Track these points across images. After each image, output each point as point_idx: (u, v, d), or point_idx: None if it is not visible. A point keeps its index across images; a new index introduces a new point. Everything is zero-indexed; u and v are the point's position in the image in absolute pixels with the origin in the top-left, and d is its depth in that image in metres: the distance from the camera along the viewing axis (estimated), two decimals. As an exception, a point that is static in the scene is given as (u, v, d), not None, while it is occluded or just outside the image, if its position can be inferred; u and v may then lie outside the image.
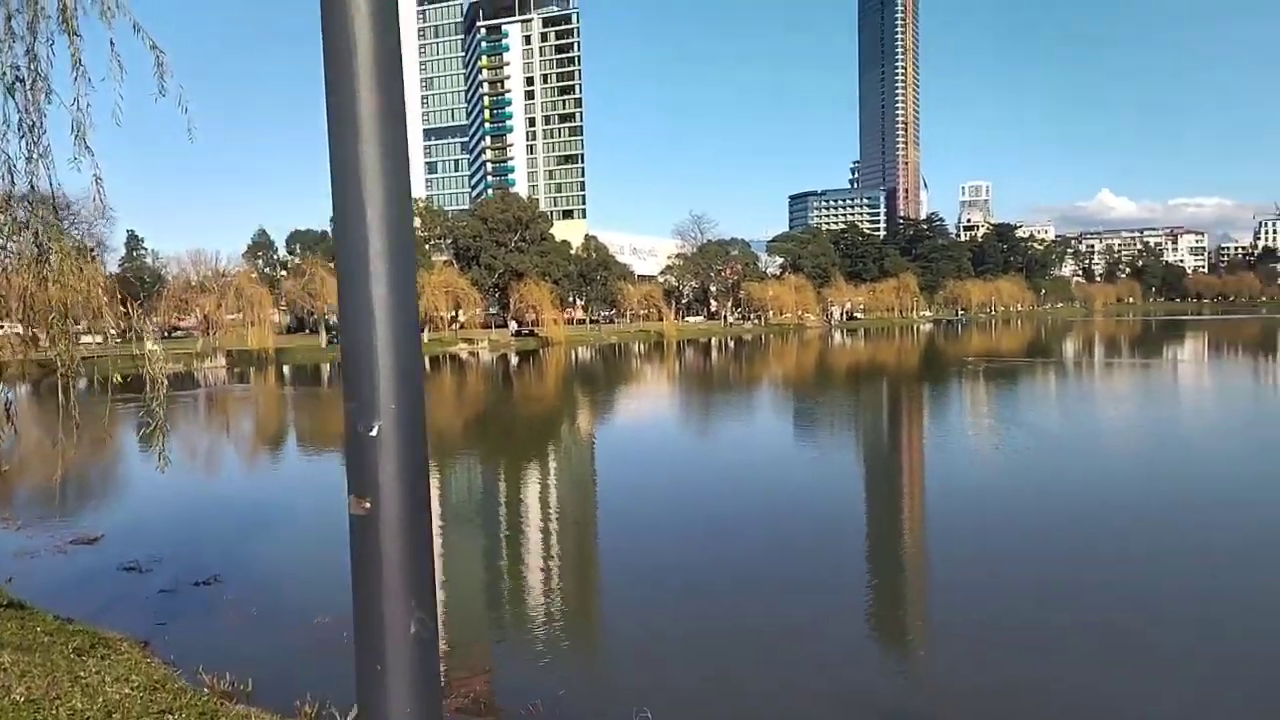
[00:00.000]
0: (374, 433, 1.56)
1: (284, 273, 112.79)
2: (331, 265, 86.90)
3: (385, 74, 1.36)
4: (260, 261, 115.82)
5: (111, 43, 7.15)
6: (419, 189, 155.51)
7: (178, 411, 41.95)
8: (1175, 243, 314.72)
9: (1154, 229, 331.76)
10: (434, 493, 24.54)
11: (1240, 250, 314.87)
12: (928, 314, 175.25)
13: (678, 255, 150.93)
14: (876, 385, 56.91)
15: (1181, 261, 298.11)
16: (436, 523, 20.79)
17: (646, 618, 13.30)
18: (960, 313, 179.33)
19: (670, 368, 75.49)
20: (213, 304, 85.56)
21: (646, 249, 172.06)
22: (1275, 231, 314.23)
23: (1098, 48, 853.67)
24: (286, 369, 77.46)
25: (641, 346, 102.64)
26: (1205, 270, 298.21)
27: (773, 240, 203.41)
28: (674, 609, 13.71)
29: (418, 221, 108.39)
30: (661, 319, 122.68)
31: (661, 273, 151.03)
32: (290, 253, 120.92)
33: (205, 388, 61.31)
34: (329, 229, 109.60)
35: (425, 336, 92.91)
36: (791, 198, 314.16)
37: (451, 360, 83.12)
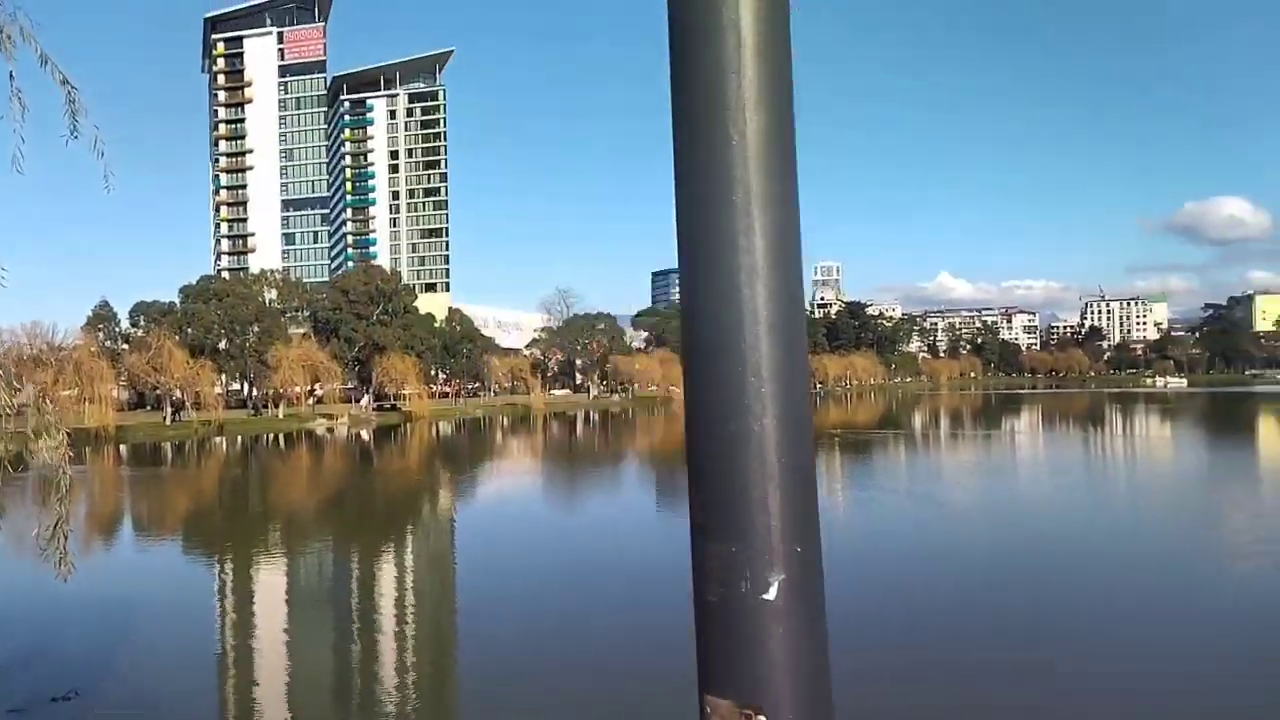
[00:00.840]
0: (771, 595, 1.01)
1: (126, 346, 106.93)
2: (178, 338, 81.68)
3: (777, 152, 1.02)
4: (101, 334, 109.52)
5: (11, 75, 6.45)
6: (274, 260, 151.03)
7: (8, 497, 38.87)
8: (1010, 321, 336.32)
9: (990, 309, 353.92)
10: (280, 582, 23.60)
11: (1068, 329, 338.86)
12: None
13: (544, 329, 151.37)
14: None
15: (1016, 339, 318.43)
16: (281, 612, 20.00)
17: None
18: (818, 386, 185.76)
19: (536, 442, 75.02)
20: (49, 378, 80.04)
21: (511, 322, 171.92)
22: (1099, 312, 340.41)
23: (928, 141, 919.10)
24: (125, 448, 72.97)
25: (507, 420, 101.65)
26: (1038, 347, 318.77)
27: (638, 315, 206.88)
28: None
29: (273, 293, 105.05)
30: (528, 392, 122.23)
31: (527, 346, 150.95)
32: (134, 325, 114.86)
33: (37, 470, 57.02)
34: (178, 300, 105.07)
35: (280, 412, 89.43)
36: (654, 274, 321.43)
37: (308, 437, 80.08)
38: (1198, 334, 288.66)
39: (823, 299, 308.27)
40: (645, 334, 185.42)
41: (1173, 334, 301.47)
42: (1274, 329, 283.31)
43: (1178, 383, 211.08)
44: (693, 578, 1.07)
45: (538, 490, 44.04)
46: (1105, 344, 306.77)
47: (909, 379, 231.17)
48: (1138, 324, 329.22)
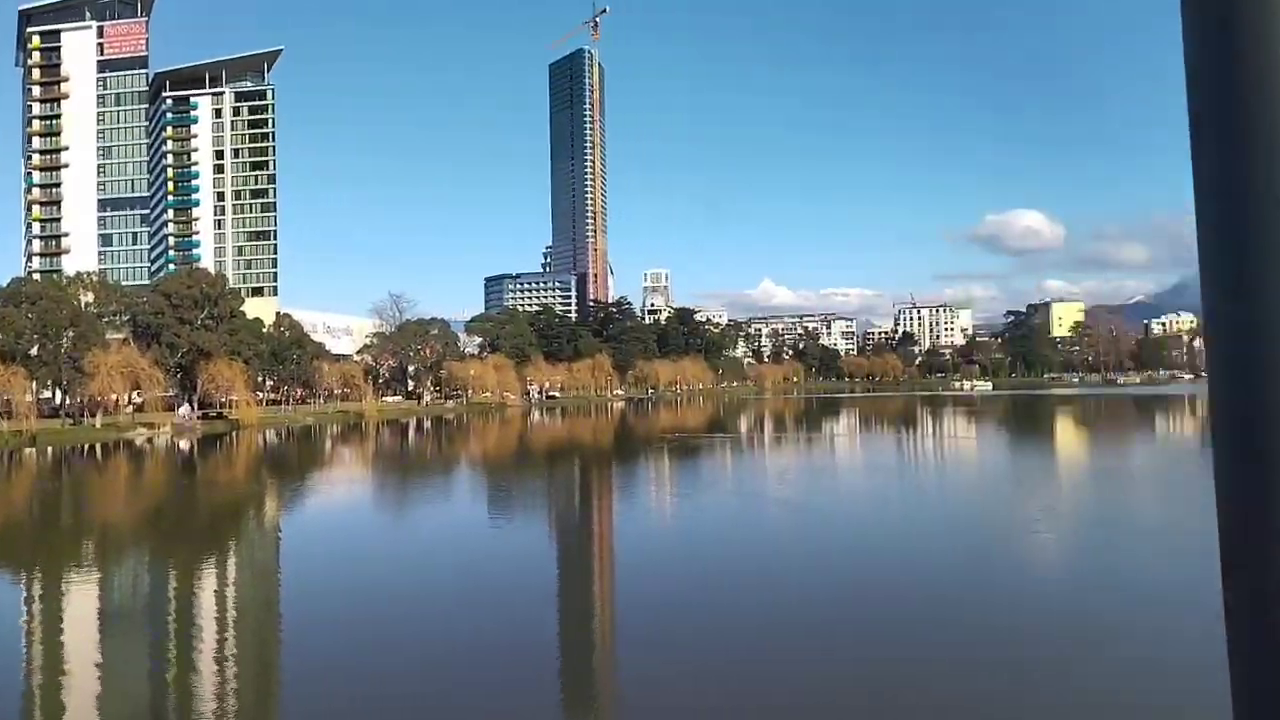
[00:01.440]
0: None
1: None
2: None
3: None
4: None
5: None
6: (90, 262, 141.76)
7: None
8: (829, 328, 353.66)
9: (811, 315, 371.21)
10: (88, 603, 22.55)
11: (883, 335, 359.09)
12: (621, 392, 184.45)
13: (376, 334, 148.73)
14: (576, 462, 60.04)
15: (835, 344, 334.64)
16: (86, 636, 19.39)
17: None
18: (650, 391, 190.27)
19: (367, 450, 74.37)
20: None
21: (342, 328, 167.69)
22: (911, 319, 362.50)
23: (749, 156, 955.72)
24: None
25: (338, 428, 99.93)
26: (855, 352, 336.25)
27: (471, 321, 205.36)
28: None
29: (90, 296, 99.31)
30: (360, 399, 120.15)
31: (359, 352, 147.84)
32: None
33: None
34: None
35: (98, 421, 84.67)
36: (487, 279, 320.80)
37: (126, 447, 76.31)
38: (1000, 339, 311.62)
39: (652, 305, 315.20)
40: (479, 340, 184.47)
41: (978, 339, 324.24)
42: (1069, 335, 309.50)
43: (984, 386, 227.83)
44: (1224, 614, 0.86)
45: (367, 500, 43.42)
46: (917, 349, 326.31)
47: (736, 383, 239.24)
48: (946, 330, 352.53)
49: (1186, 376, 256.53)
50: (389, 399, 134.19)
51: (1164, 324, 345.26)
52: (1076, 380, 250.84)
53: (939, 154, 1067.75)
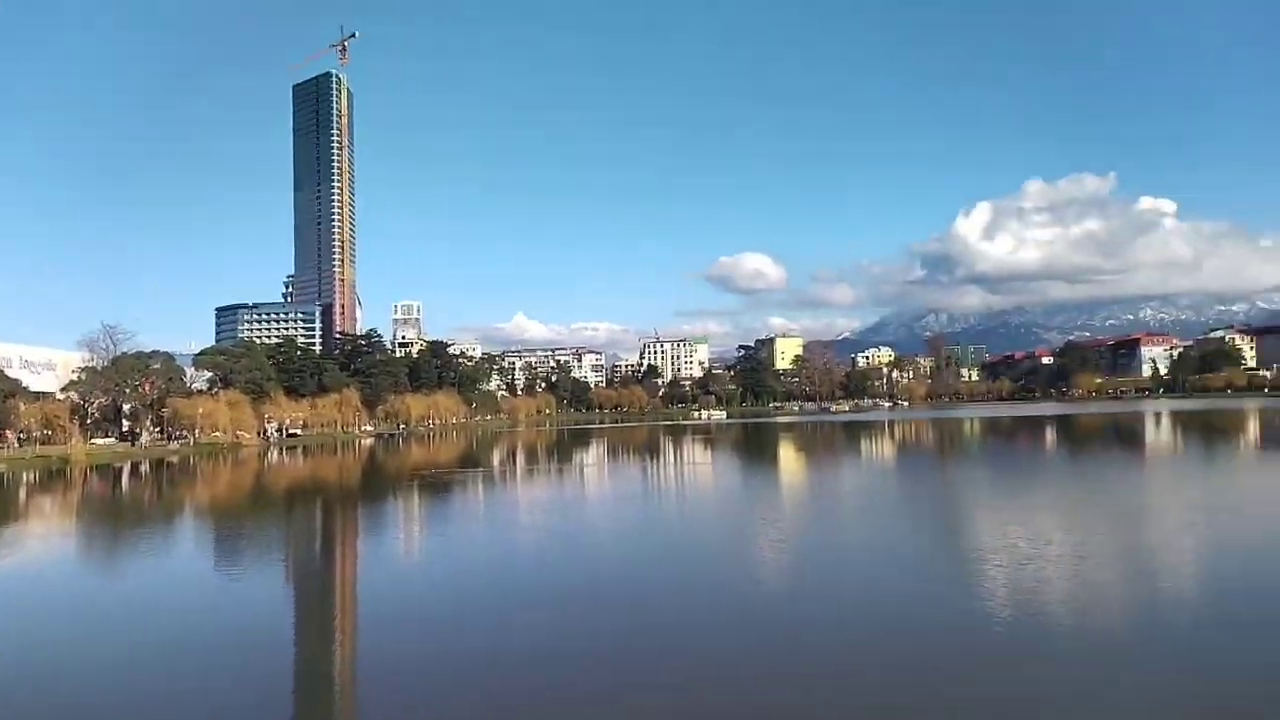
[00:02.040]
0: None
1: None
2: None
3: None
4: None
5: None
6: None
7: None
8: (580, 361, 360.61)
9: (563, 348, 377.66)
10: None
11: (629, 368, 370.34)
12: (370, 428, 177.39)
13: (84, 369, 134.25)
14: (318, 504, 57.03)
15: (586, 377, 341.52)
16: None
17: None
18: (402, 426, 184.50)
19: (71, 499, 66.39)
20: None
21: (42, 362, 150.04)
22: (655, 352, 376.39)
23: (503, 192, 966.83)
24: None
25: (36, 475, 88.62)
26: (604, 384, 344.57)
27: (200, 354, 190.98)
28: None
29: None
30: (65, 441, 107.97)
31: (64, 389, 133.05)
32: None
33: None
34: None
35: None
36: (219, 310, 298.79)
37: None
38: (733, 372, 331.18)
39: (404, 338, 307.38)
40: (209, 374, 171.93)
41: (713, 371, 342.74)
42: (790, 367, 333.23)
43: (719, 414, 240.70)
44: None
45: (67, 556, 39.22)
46: (660, 381, 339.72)
47: (490, 416, 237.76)
48: (686, 363, 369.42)
49: (885, 404, 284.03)
50: (101, 441, 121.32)
51: (867, 357, 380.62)
52: (797, 408, 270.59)
53: (676, 197, 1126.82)
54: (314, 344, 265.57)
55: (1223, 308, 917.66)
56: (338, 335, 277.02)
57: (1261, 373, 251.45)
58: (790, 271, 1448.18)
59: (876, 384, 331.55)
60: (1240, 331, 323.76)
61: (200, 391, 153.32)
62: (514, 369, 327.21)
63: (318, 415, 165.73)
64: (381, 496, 59.45)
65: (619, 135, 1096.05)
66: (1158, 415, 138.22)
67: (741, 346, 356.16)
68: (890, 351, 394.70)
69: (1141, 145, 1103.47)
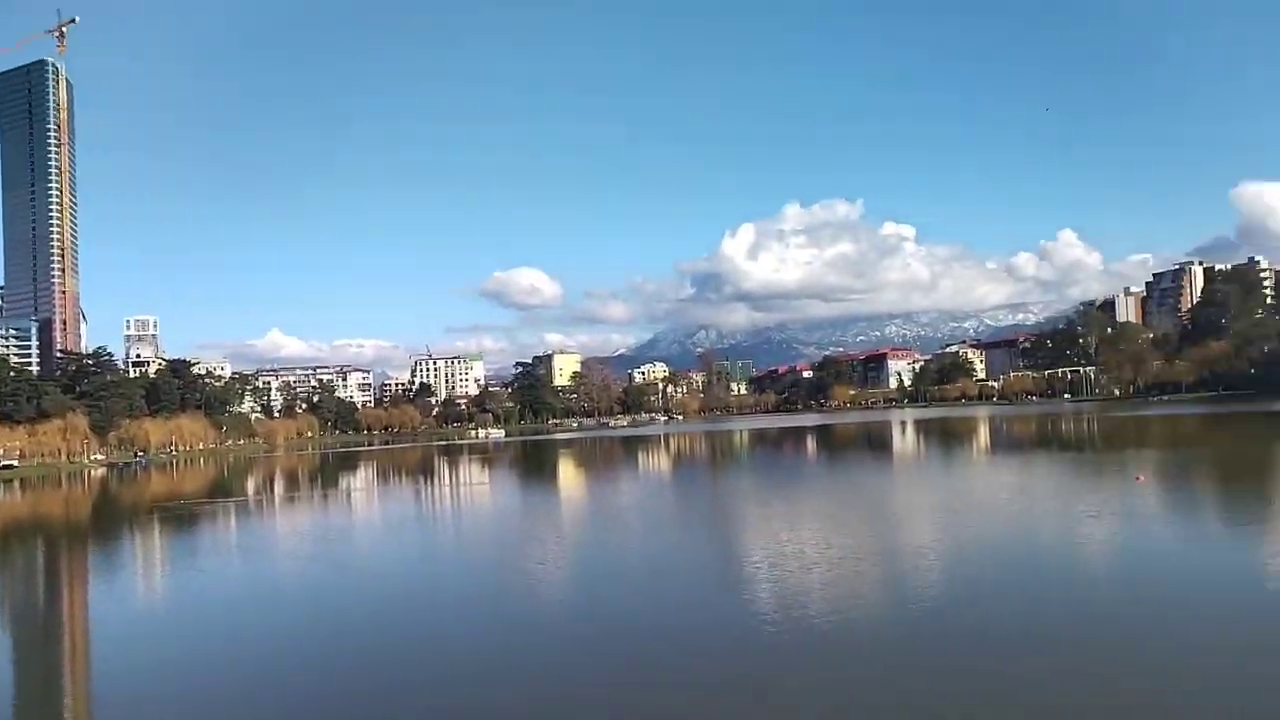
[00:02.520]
0: None
1: None
2: None
3: None
4: None
5: None
6: None
7: None
8: (346, 380, 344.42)
9: (326, 367, 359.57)
10: None
11: (400, 386, 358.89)
12: (101, 457, 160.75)
13: None
14: (37, 546, 50.30)
15: (352, 397, 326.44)
16: None
17: None
18: (139, 454, 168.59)
19: None
20: None
21: None
22: (428, 370, 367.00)
23: (255, 199, 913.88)
24: None
25: None
26: (373, 404, 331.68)
27: None
28: None
29: None
30: None
31: None
32: None
33: None
34: None
35: None
36: None
37: None
38: (510, 389, 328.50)
39: (139, 356, 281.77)
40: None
41: (490, 389, 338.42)
42: (569, 384, 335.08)
43: (497, 433, 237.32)
44: None
45: None
46: (434, 399, 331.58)
47: (244, 441, 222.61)
48: (461, 380, 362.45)
49: (662, 418, 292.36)
50: None
51: (643, 373, 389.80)
52: (576, 425, 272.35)
53: (447, 209, 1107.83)
54: (30, 364, 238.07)
55: (955, 324, 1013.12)
56: (59, 354, 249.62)
57: (990, 383, 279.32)
58: (566, 288, 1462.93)
59: (653, 399, 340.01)
60: (971, 346, 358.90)
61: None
62: (270, 389, 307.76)
63: (38, 444, 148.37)
64: (115, 533, 53.37)
65: (383, 144, 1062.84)
66: (903, 423, 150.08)
67: (519, 363, 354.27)
68: (665, 367, 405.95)
69: (883, 174, 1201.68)
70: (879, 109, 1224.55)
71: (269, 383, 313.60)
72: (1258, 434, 76.08)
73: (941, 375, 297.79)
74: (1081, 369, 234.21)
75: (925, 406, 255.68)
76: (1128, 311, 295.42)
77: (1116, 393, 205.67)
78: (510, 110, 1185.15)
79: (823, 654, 17.49)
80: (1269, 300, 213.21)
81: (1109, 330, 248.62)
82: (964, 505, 38.14)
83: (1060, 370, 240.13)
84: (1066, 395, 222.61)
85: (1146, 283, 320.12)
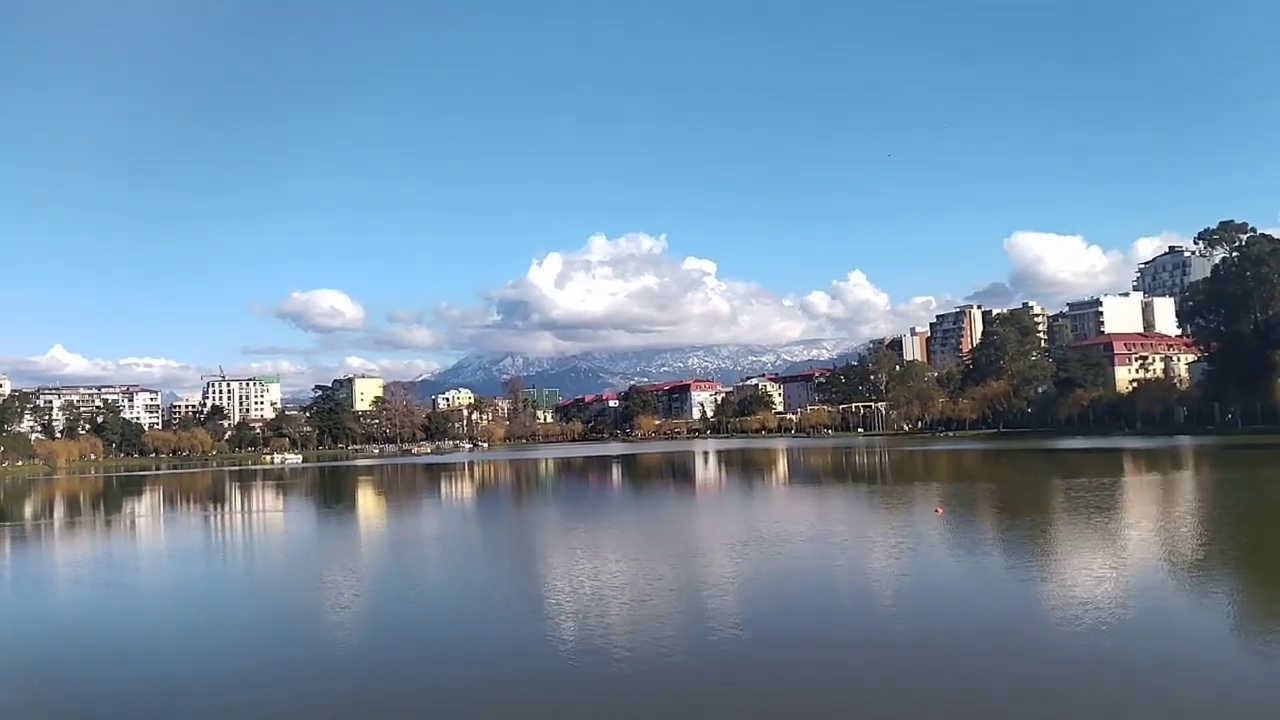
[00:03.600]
0: None
1: None
2: None
3: None
4: None
5: None
6: None
7: None
8: (132, 400, 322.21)
9: (111, 386, 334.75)
10: None
11: (191, 408, 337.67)
12: None
13: None
14: None
15: (139, 418, 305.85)
16: None
17: None
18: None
19: None
20: None
21: None
22: (221, 392, 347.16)
23: (31, 204, 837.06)
24: None
25: None
26: (161, 426, 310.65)
27: None
28: None
29: None
30: None
31: None
32: None
33: None
34: None
35: None
36: None
37: None
38: (309, 413, 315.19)
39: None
40: None
41: (287, 413, 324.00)
42: (370, 409, 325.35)
43: (294, 458, 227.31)
44: None
45: None
46: (227, 423, 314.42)
47: (23, 462, 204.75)
48: (256, 403, 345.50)
49: (467, 445, 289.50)
50: None
51: (448, 399, 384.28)
52: (377, 451, 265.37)
53: (244, 224, 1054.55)
54: None
55: (755, 358, 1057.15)
56: None
57: (789, 415, 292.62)
58: (368, 311, 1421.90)
59: (457, 425, 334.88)
60: (771, 379, 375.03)
61: None
62: (52, 408, 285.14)
63: None
64: None
65: (174, 150, 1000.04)
66: (706, 453, 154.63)
67: (318, 387, 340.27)
68: (470, 394, 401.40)
69: (685, 210, 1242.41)
70: (680, 144, 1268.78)
71: (51, 401, 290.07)
72: (1036, 469, 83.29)
73: (742, 407, 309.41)
74: (873, 404, 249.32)
75: (728, 437, 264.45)
76: (914, 350, 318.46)
77: (906, 428, 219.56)
78: (313, 125, 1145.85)
79: (612, 681, 18.10)
80: (1042, 343, 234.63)
81: (897, 368, 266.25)
82: (768, 535, 39.79)
83: (854, 405, 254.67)
84: (860, 429, 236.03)
85: (930, 323, 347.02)
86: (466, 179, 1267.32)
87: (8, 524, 67.03)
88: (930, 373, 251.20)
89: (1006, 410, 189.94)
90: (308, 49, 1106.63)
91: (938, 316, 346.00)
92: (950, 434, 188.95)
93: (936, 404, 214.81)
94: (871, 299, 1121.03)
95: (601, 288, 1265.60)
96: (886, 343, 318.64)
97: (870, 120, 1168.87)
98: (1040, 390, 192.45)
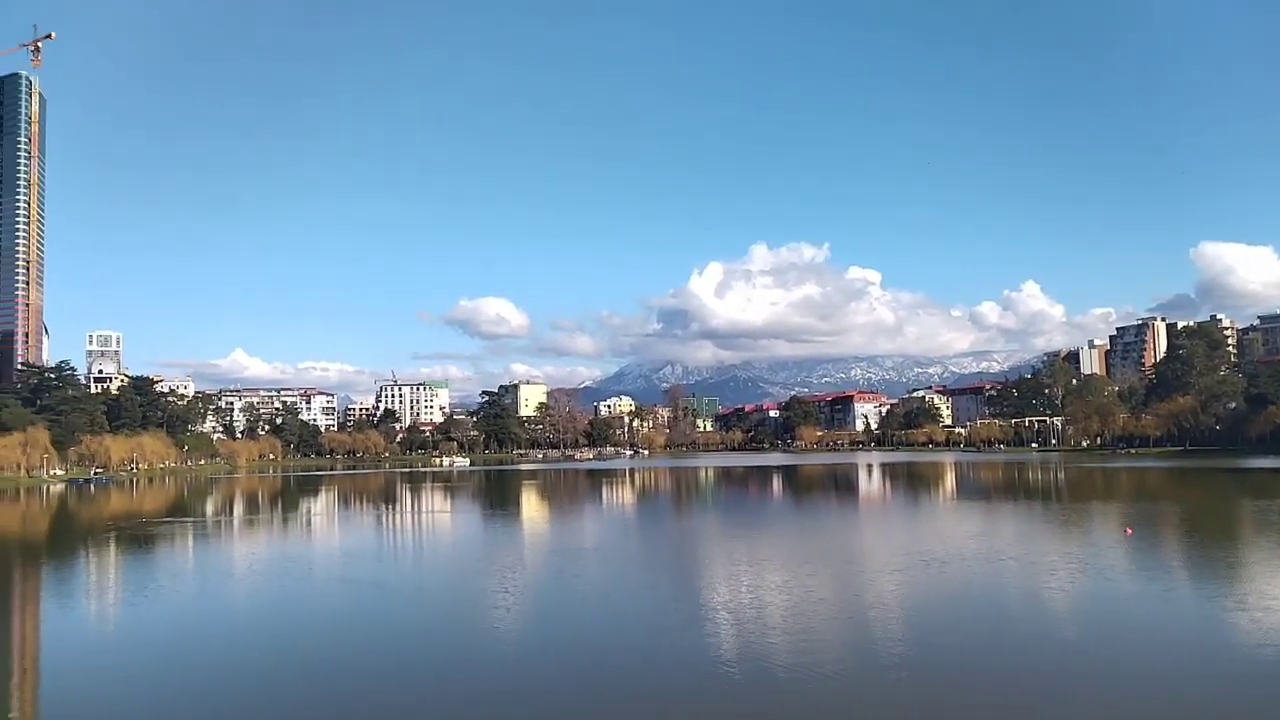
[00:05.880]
0: None
1: None
2: None
3: None
4: None
5: None
6: None
7: None
8: (310, 402, 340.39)
9: (289, 389, 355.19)
10: None
11: (364, 411, 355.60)
12: (60, 473, 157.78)
13: None
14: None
15: (315, 420, 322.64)
16: None
17: None
18: (98, 471, 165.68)
19: None
20: None
21: None
22: (392, 396, 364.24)
23: (221, 217, 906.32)
24: None
25: None
26: (336, 428, 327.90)
27: None
28: None
29: None
30: None
31: None
32: None
33: None
34: None
35: None
36: None
37: None
38: (476, 417, 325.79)
39: (101, 372, 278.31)
40: None
41: (455, 417, 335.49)
42: (534, 414, 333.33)
43: (462, 462, 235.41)
44: None
45: None
46: (398, 426, 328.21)
47: (206, 461, 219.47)
48: (425, 408, 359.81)
49: (628, 452, 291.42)
50: None
51: (609, 406, 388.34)
52: (540, 456, 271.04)
53: (415, 234, 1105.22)
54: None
55: (920, 370, 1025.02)
56: (20, 367, 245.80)
57: (957, 429, 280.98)
58: (532, 318, 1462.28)
59: (618, 432, 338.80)
60: (938, 392, 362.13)
61: None
62: (233, 409, 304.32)
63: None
64: (71, 552, 52.37)
65: (351, 167, 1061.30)
66: (870, 466, 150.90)
67: (485, 392, 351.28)
68: (631, 401, 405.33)
69: (849, 220, 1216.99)
70: (846, 155, 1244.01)
71: (232, 403, 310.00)
72: (1228, 489, 77.15)
73: (908, 420, 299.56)
74: (1048, 419, 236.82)
75: (892, 450, 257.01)
76: (1092, 364, 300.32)
77: (1084, 443, 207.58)
78: (481, 137, 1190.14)
79: (771, 695, 17.61)
80: (1232, 358, 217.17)
81: (1074, 382, 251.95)
82: (938, 553, 38.25)
83: (1027, 419, 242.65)
84: (1034, 444, 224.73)
85: (1110, 336, 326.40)
86: (628, 189, 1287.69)
87: (192, 519, 72.23)
88: (1110, 387, 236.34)
89: (1193, 427, 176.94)
90: (485, 63, 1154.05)
91: (1118, 329, 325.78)
92: (1132, 451, 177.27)
93: (1117, 419, 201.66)
94: (1046, 310, 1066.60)
95: (762, 297, 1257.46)
96: (1063, 355, 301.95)
97: (1044, 122, 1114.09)
98: (1230, 407, 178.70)
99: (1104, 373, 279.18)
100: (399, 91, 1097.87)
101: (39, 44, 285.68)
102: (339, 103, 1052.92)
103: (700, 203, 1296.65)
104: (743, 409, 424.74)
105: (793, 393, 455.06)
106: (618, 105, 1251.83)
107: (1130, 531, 42.87)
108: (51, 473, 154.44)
